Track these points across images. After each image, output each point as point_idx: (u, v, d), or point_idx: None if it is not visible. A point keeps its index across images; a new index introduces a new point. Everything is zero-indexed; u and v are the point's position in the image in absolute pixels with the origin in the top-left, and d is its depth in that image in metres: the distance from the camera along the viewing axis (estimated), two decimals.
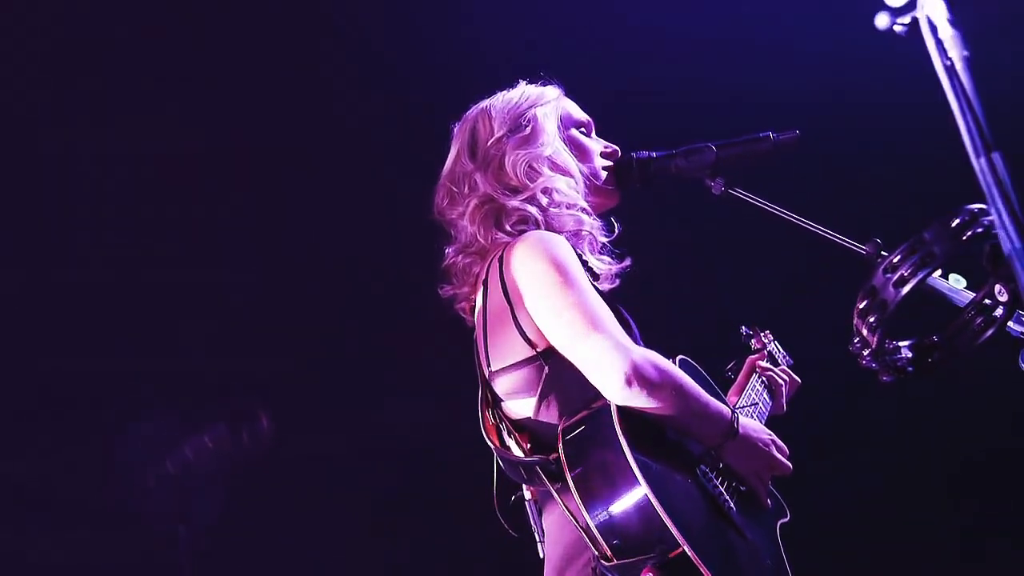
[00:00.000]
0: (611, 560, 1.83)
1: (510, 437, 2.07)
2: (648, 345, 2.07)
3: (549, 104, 2.33)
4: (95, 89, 4.09)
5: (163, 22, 4.11)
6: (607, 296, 2.16)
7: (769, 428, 2.21)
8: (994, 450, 4.41)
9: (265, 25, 4.21)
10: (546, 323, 2.03)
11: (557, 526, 2.01)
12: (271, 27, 4.23)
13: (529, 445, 2.04)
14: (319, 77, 4.35)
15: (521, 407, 2.08)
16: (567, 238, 2.16)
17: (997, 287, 1.52)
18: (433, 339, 3.31)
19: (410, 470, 4.36)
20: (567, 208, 2.22)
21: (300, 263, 4.42)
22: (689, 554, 1.78)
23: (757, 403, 2.51)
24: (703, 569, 1.79)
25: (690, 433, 2.02)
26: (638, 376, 1.90)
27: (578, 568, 1.94)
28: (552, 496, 1.99)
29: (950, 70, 1.20)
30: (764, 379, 2.63)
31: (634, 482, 1.82)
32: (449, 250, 2.30)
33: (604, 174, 2.34)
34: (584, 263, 2.16)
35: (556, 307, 2.01)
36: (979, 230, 1.47)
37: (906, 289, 1.47)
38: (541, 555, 2.08)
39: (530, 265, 2.06)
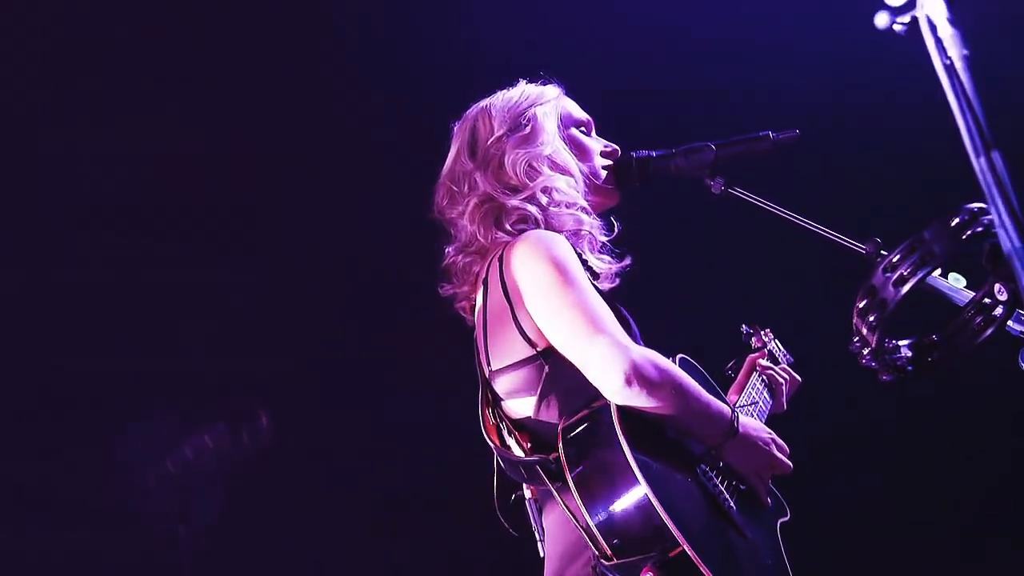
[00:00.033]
0: (611, 559, 1.83)
1: (510, 436, 2.07)
2: (648, 344, 2.07)
3: (549, 103, 2.34)
4: (95, 89, 4.09)
5: (163, 22, 4.11)
6: (607, 295, 2.16)
7: (769, 427, 2.21)
8: (994, 450, 4.41)
9: (265, 25, 4.21)
10: (546, 323, 2.03)
11: (557, 525, 2.01)
12: (271, 27, 4.23)
13: (529, 444, 2.04)
14: (319, 77, 4.35)
15: (521, 406, 2.08)
16: (567, 237, 2.17)
17: (997, 286, 1.53)
18: (433, 339, 3.31)
19: (410, 470, 4.36)
20: (567, 207, 2.22)
21: (300, 263, 4.42)
22: (689, 553, 1.78)
23: (757, 402, 2.51)
24: (703, 568, 1.79)
25: (690, 432, 2.02)
26: (638, 375, 1.90)
27: (578, 567, 1.94)
28: (552, 495, 1.99)
29: (950, 69, 1.20)
30: (764, 378, 2.64)
31: (634, 481, 1.82)
32: (449, 249, 2.30)
33: (604, 173, 2.34)
34: (584, 262, 2.16)
35: (556, 306, 2.01)
36: (979, 229, 1.47)
37: (906, 288, 1.47)
38: (541, 554, 2.08)
39: (530, 264, 2.06)
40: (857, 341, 1.55)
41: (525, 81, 2.39)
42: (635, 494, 1.82)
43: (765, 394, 2.59)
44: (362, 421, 4.37)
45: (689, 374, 2.06)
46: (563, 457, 1.92)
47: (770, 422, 2.45)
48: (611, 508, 1.84)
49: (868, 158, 4.42)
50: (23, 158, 4.12)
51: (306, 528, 4.38)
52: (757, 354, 2.76)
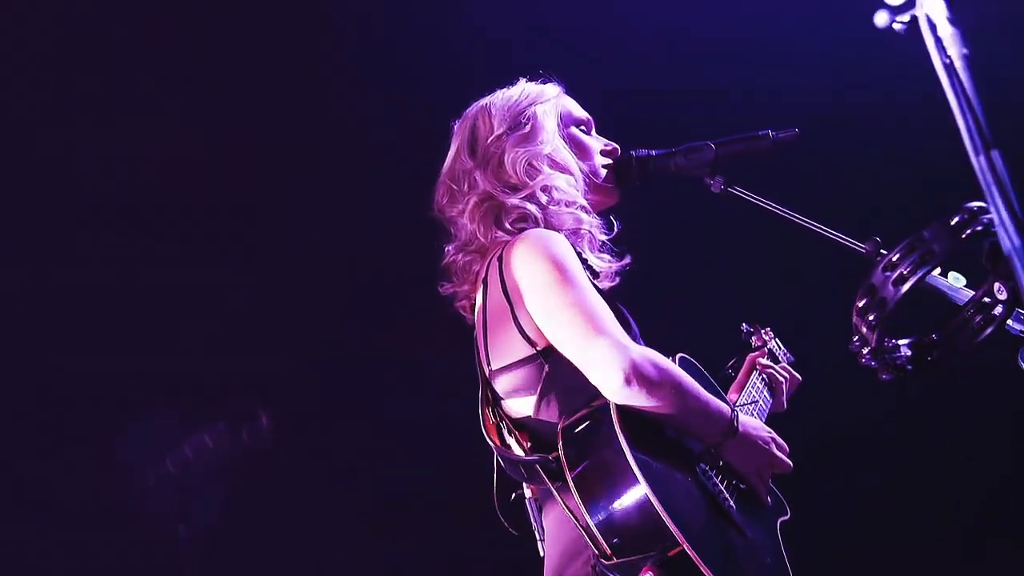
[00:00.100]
0: (611, 559, 1.83)
1: (510, 436, 2.07)
2: (648, 343, 2.07)
3: (549, 102, 2.34)
4: (95, 89, 4.09)
5: (163, 22, 4.11)
6: (607, 294, 2.16)
7: (769, 426, 2.21)
8: (994, 450, 4.41)
9: (265, 25, 4.21)
10: (545, 322, 2.03)
11: (557, 524, 2.01)
12: (271, 27, 4.23)
13: (529, 444, 2.04)
14: (319, 77, 4.35)
15: (521, 406, 2.08)
16: (566, 236, 2.17)
17: (996, 285, 1.53)
18: (433, 339, 3.31)
19: (410, 470, 4.36)
20: (566, 206, 2.22)
21: (300, 263, 4.42)
22: (689, 552, 1.78)
23: (757, 401, 2.51)
24: (703, 567, 1.79)
25: (690, 431, 2.02)
26: (637, 375, 1.90)
27: (578, 566, 1.94)
28: (552, 495, 1.99)
29: (949, 68, 1.20)
30: (764, 376, 2.64)
31: (634, 481, 1.82)
32: (449, 248, 2.30)
33: (604, 172, 2.34)
34: (584, 261, 2.16)
35: (555, 306, 2.01)
36: (978, 228, 1.47)
37: (905, 287, 1.47)
38: (541, 553, 2.08)
39: (529, 264, 2.06)
40: (857, 340, 1.55)
41: (525, 80, 2.39)
42: (635, 493, 1.82)
43: (765, 393, 2.59)
44: (362, 421, 4.36)
45: (689, 373, 2.06)
46: (563, 456, 1.92)
47: (770, 421, 2.45)
48: (611, 507, 1.84)
49: (868, 157, 4.42)
50: (23, 158, 4.12)
51: (306, 528, 4.38)
52: (757, 353, 2.76)
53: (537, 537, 2.11)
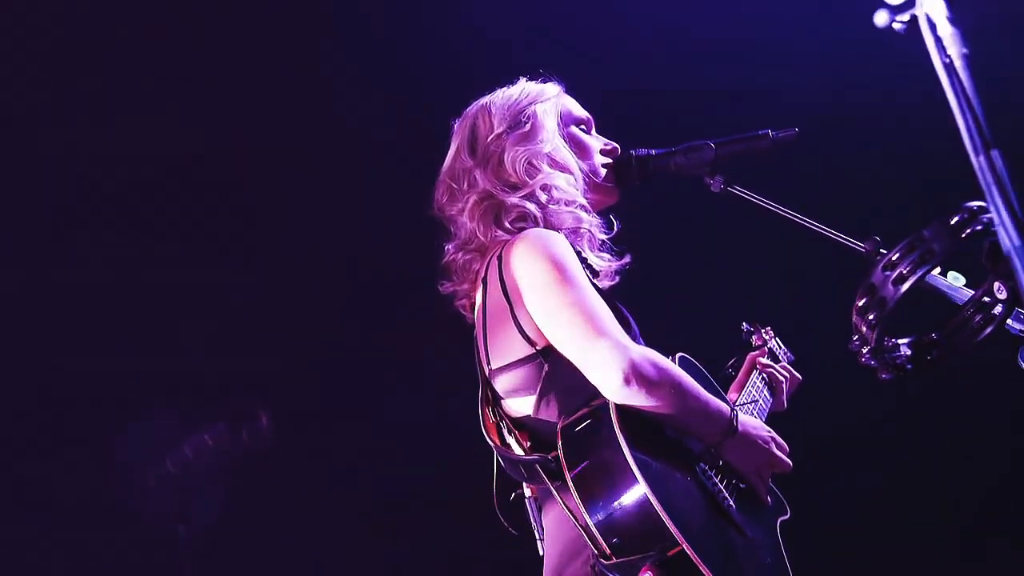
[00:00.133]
0: (610, 558, 1.83)
1: (510, 435, 2.07)
2: (648, 342, 2.07)
3: (549, 101, 2.34)
4: (95, 89, 4.09)
5: (163, 22, 4.11)
6: (607, 293, 2.16)
7: (769, 425, 2.21)
8: (994, 449, 4.41)
9: (265, 25, 4.22)
10: (545, 322, 2.03)
11: (557, 524, 2.01)
12: (271, 27, 4.23)
13: (529, 443, 2.04)
14: (319, 77, 4.35)
15: (521, 405, 2.08)
16: (566, 235, 2.17)
17: (996, 285, 1.53)
18: (433, 339, 3.31)
19: (410, 470, 4.36)
20: (566, 205, 2.22)
21: (300, 263, 4.42)
22: (688, 552, 1.78)
23: (757, 400, 2.51)
24: (702, 567, 1.79)
25: (689, 431, 2.02)
26: (636, 374, 1.90)
27: (577, 566, 1.94)
28: (552, 494, 1.99)
29: (949, 68, 1.20)
30: (765, 376, 2.64)
31: (633, 480, 1.82)
32: (449, 247, 2.30)
33: (603, 171, 2.34)
34: (583, 260, 2.16)
35: (554, 306, 2.01)
36: (978, 228, 1.47)
37: (905, 287, 1.47)
38: (541, 553, 2.08)
39: (529, 264, 2.06)
40: (856, 339, 1.55)
41: (525, 79, 2.40)
42: (634, 493, 1.82)
43: (765, 392, 2.59)
44: (362, 421, 4.37)
45: (689, 373, 2.06)
46: (562, 456, 1.92)
47: (770, 420, 2.45)
48: (610, 507, 1.84)
49: (868, 157, 4.42)
50: (23, 158, 4.12)
51: (306, 528, 4.38)
52: (758, 352, 2.76)
53: (537, 537, 2.11)
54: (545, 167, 2.23)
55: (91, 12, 3.98)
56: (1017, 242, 1.14)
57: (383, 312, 4.41)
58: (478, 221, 2.21)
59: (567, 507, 1.93)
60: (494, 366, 2.11)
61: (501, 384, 2.10)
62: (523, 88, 2.36)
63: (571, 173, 2.27)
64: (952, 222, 1.48)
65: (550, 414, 2.02)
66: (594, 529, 1.84)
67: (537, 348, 2.04)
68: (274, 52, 4.23)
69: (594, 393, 1.96)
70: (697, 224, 4.23)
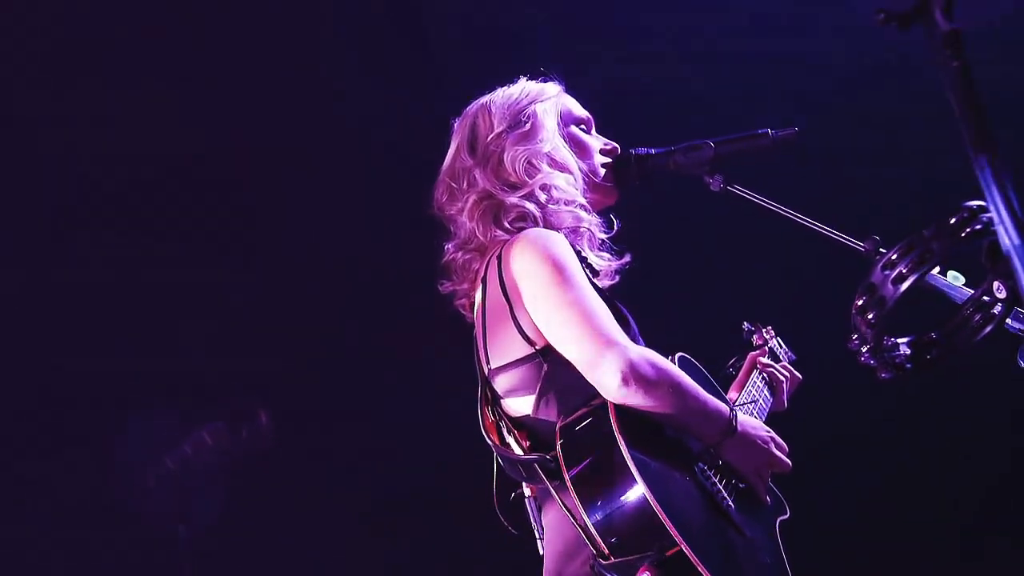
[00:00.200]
0: (608, 558, 1.83)
1: (509, 435, 2.07)
2: (648, 342, 2.07)
3: (549, 100, 2.34)
4: (95, 89, 4.08)
5: (163, 22, 4.11)
6: (606, 293, 2.16)
7: (769, 425, 2.21)
8: (993, 449, 4.42)
9: (265, 25, 4.22)
10: (544, 321, 2.03)
11: (556, 524, 2.02)
12: (271, 27, 4.23)
13: (528, 443, 2.04)
14: (319, 77, 4.36)
15: (520, 405, 2.08)
16: (566, 235, 2.17)
17: (996, 284, 1.53)
18: (433, 339, 3.31)
19: (410, 470, 4.36)
20: (566, 205, 2.22)
21: (300, 263, 4.42)
22: (687, 552, 1.78)
23: (757, 400, 2.51)
24: (701, 567, 1.79)
25: (688, 431, 2.03)
26: (635, 374, 1.91)
27: (577, 566, 1.94)
28: (551, 494, 1.99)
29: (950, 67, 1.20)
30: (765, 375, 2.64)
31: (632, 480, 1.82)
32: (448, 246, 2.30)
33: (603, 171, 2.34)
34: (583, 260, 2.16)
35: (554, 305, 2.02)
36: (978, 227, 1.47)
37: (904, 286, 1.47)
38: (541, 552, 2.08)
39: (528, 263, 2.07)
40: (856, 339, 1.55)
41: (525, 78, 2.40)
42: (633, 493, 1.82)
43: (765, 392, 2.59)
44: (362, 421, 4.37)
45: (688, 372, 2.06)
46: (561, 456, 1.92)
47: (770, 420, 2.45)
48: (608, 507, 1.84)
49: (867, 156, 4.42)
50: (23, 158, 4.12)
51: (306, 528, 4.38)
52: (758, 351, 2.77)
53: (537, 536, 2.11)
54: (545, 167, 2.23)
55: (91, 12, 3.98)
56: (1016, 241, 1.14)
57: (383, 312, 4.41)
58: (478, 220, 2.21)
59: (566, 507, 1.93)
60: (493, 366, 2.11)
61: (500, 384, 2.10)
62: (523, 87, 2.36)
63: (571, 173, 2.27)
64: (951, 221, 1.48)
65: (549, 414, 2.03)
66: (592, 529, 1.84)
67: (536, 348, 2.05)
68: (274, 52, 4.23)
69: (593, 393, 1.96)
70: (697, 223, 4.23)
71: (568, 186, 2.24)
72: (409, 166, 3.06)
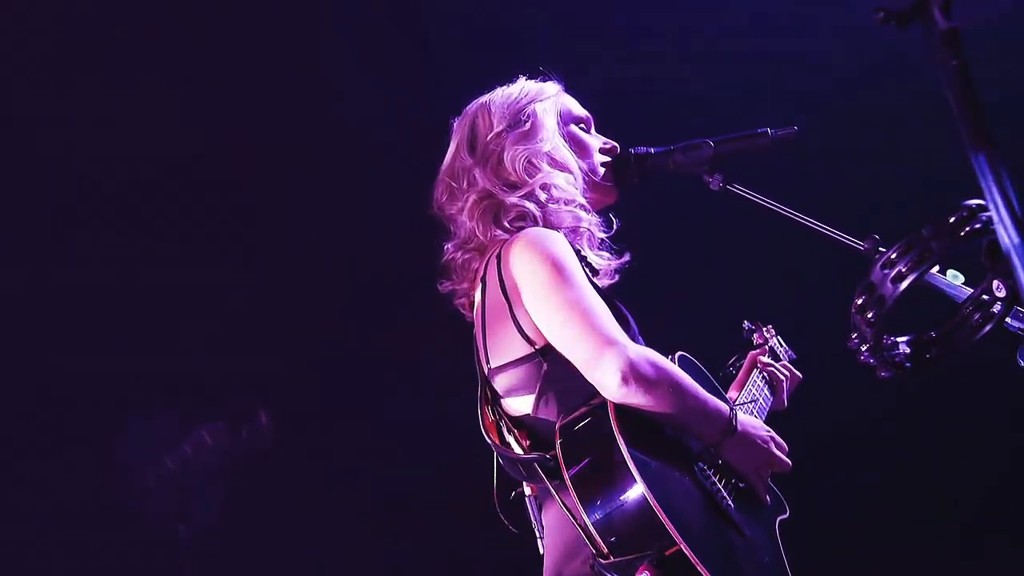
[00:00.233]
0: (608, 557, 1.83)
1: (509, 434, 2.07)
2: (647, 341, 2.08)
3: (549, 100, 2.34)
4: (95, 89, 4.09)
5: (163, 22, 4.11)
6: (606, 292, 2.16)
7: (769, 424, 2.21)
8: (993, 448, 4.42)
9: (265, 25, 4.22)
10: (543, 321, 2.03)
11: (556, 523, 2.02)
12: (271, 27, 4.23)
13: (528, 442, 2.04)
14: (319, 77, 4.36)
15: (520, 404, 2.08)
16: (565, 234, 2.17)
17: (995, 283, 1.53)
18: (433, 339, 3.31)
19: (410, 470, 4.36)
20: (565, 204, 2.22)
21: (300, 263, 4.42)
22: (686, 551, 1.78)
23: (757, 399, 2.51)
24: (700, 567, 1.79)
25: (688, 430, 2.03)
26: (635, 374, 1.91)
27: (577, 565, 1.94)
28: (551, 493, 1.99)
29: (948, 66, 1.20)
30: (765, 374, 2.64)
31: (631, 480, 1.82)
32: (448, 245, 2.30)
33: (603, 170, 2.34)
34: (583, 259, 2.16)
35: (553, 305, 2.02)
36: (977, 226, 1.47)
37: (904, 285, 1.47)
38: (541, 551, 2.08)
39: (527, 263, 2.07)
40: (855, 338, 1.55)
41: (525, 77, 2.40)
42: (632, 492, 1.82)
43: (765, 391, 2.59)
44: (362, 421, 4.37)
45: (688, 372, 2.06)
46: (560, 455, 1.92)
47: (770, 419, 2.45)
48: (608, 506, 1.84)
49: (866, 155, 4.43)
50: (23, 158, 4.12)
51: (306, 528, 4.38)
52: (758, 350, 2.77)
53: (537, 535, 2.11)
54: (545, 166, 2.23)
55: (91, 12, 3.98)
56: (1016, 240, 1.14)
57: (383, 312, 4.41)
58: (477, 220, 2.21)
59: (566, 506, 1.93)
60: (493, 365, 2.12)
61: (500, 383, 2.11)
62: (523, 87, 2.36)
63: (571, 172, 2.27)
64: (951, 220, 1.48)
65: (549, 413, 2.03)
66: (592, 528, 1.84)
67: (536, 347, 2.05)
68: (274, 52, 4.23)
69: (593, 392, 1.96)
70: (696, 222, 4.23)
71: (568, 185, 2.24)
72: (409, 166, 3.06)
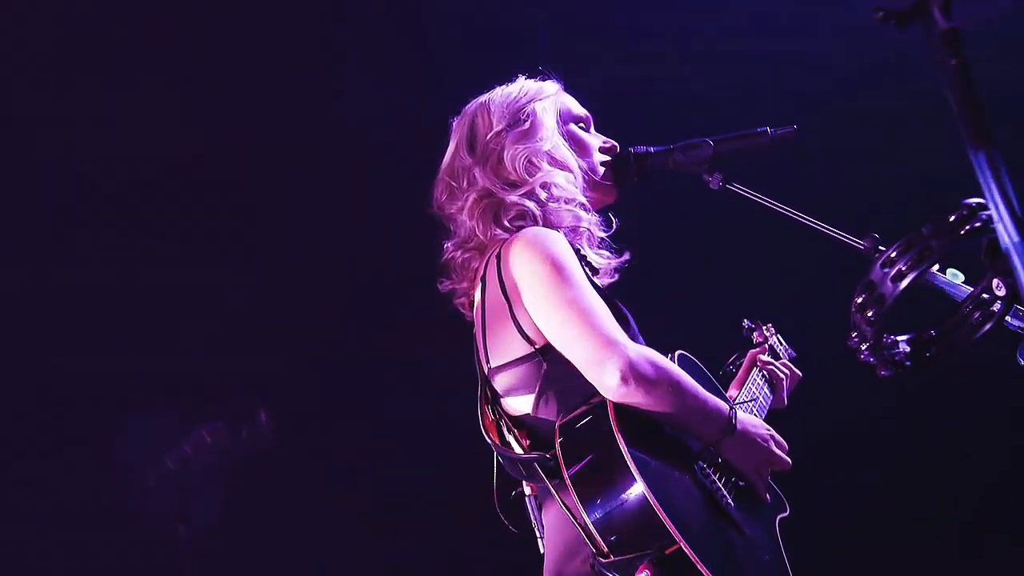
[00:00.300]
0: (608, 557, 1.83)
1: (509, 434, 2.07)
2: (647, 340, 2.08)
3: (548, 99, 2.34)
4: (95, 89, 4.09)
5: (163, 22, 4.12)
6: (606, 291, 2.16)
7: (769, 423, 2.21)
8: (993, 447, 4.42)
9: (265, 25, 4.22)
10: (543, 321, 2.03)
11: (556, 522, 2.02)
12: (271, 27, 4.23)
13: (528, 441, 2.04)
14: (319, 77, 4.36)
15: (520, 404, 2.08)
16: (565, 234, 2.17)
17: (995, 281, 1.53)
18: (433, 339, 3.31)
19: (410, 470, 4.36)
20: (565, 203, 2.22)
21: (300, 263, 4.42)
22: (686, 550, 1.78)
23: (757, 398, 2.51)
24: (700, 565, 1.79)
25: (688, 429, 2.03)
26: (634, 373, 1.91)
27: (577, 564, 1.94)
28: (551, 493, 1.99)
29: (948, 65, 1.20)
30: (765, 373, 2.64)
31: (631, 479, 1.83)
32: (448, 245, 2.30)
33: (602, 169, 2.34)
34: (583, 258, 2.16)
35: (553, 305, 2.02)
36: (977, 224, 1.47)
37: (904, 283, 1.47)
38: (541, 550, 2.08)
39: (527, 263, 2.07)
40: (855, 336, 1.55)
41: (524, 77, 2.40)
42: (632, 491, 1.82)
43: (765, 389, 2.59)
44: (362, 421, 4.37)
45: (688, 370, 2.06)
46: (560, 454, 1.92)
47: (770, 417, 2.46)
48: (608, 505, 1.84)
49: (866, 154, 4.43)
50: (23, 158, 4.12)
51: (306, 528, 4.38)
52: (758, 349, 2.77)
53: (537, 535, 2.11)
54: (545, 165, 2.23)
55: (91, 12, 3.98)
56: (1016, 239, 1.14)
57: (383, 312, 4.41)
58: (477, 219, 2.21)
59: (566, 505, 1.93)
60: (493, 364, 2.12)
61: (500, 382, 2.11)
62: (522, 86, 2.36)
63: (570, 171, 2.27)
64: (951, 219, 1.48)
65: (549, 412, 2.03)
66: (592, 527, 1.84)
67: (536, 347, 2.05)
68: (274, 52, 4.23)
69: (593, 392, 1.96)
70: (696, 221, 4.23)
71: (568, 184, 2.24)
72: (409, 166, 3.06)
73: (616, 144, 2.39)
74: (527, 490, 2.10)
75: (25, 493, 4.02)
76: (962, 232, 1.47)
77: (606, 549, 1.83)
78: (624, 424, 1.89)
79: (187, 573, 3.88)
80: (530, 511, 2.12)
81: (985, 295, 1.55)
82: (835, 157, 4.37)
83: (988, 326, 1.55)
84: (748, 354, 2.74)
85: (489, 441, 2.11)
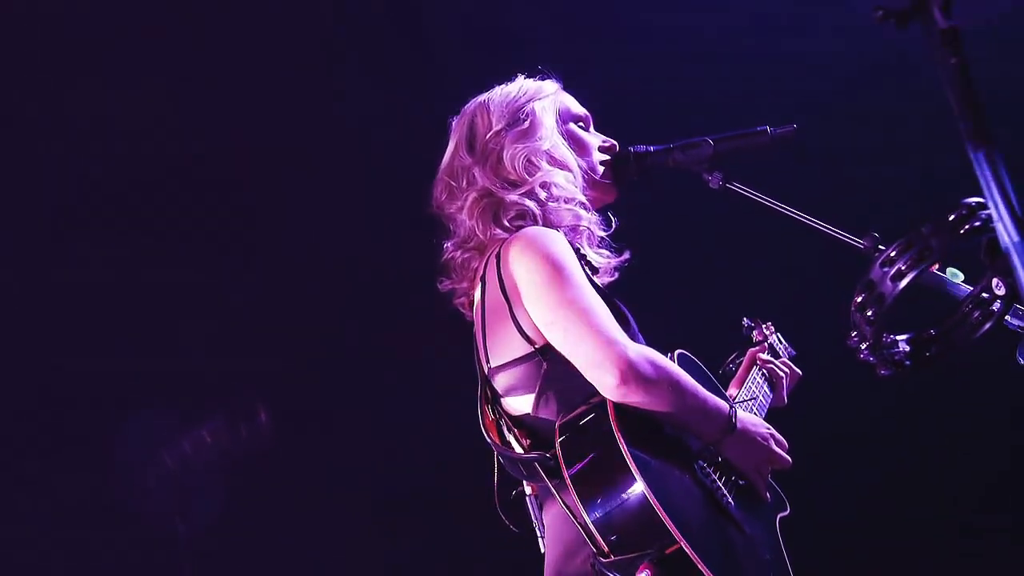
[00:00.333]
0: (608, 556, 1.83)
1: (509, 433, 2.08)
2: (647, 339, 2.08)
3: (547, 98, 2.34)
4: (95, 89, 4.09)
5: (163, 22, 4.12)
6: (606, 290, 2.16)
7: (769, 421, 2.21)
8: (993, 446, 4.42)
9: (265, 25, 4.22)
10: (542, 320, 2.03)
11: (556, 522, 2.02)
12: (271, 27, 4.24)
13: (528, 441, 2.04)
14: (319, 77, 4.36)
15: (520, 403, 2.08)
16: (565, 233, 2.17)
17: (995, 281, 1.53)
18: (433, 339, 3.31)
19: (410, 470, 4.36)
20: (565, 202, 2.22)
21: (300, 263, 4.42)
22: (686, 550, 1.78)
23: (756, 396, 2.52)
24: (700, 565, 1.79)
25: (688, 429, 2.03)
26: (634, 373, 1.91)
27: (577, 564, 1.94)
28: (551, 492, 1.99)
29: (948, 65, 1.20)
30: (765, 372, 2.64)
31: (631, 478, 1.83)
32: (448, 244, 2.30)
33: (602, 168, 2.34)
34: (582, 258, 2.16)
35: (552, 304, 2.02)
36: (977, 224, 1.47)
37: (904, 283, 1.47)
38: (542, 550, 2.08)
39: (527, 262, 2.07)
40: (855, 336, 1.55)
41: (523, 76, 2.40)
42: (632, 491, 1.82)
43: (765, 388, 2.59)
44: (362, 421, 4.37)
45: (688, 369, 2.06)
46: (560, 454, 1.92)
47: (770, 416, 2.46)
48: (608, 505, 1.84)
49: (866, 153, 4.43)
50: (23, 158, 4.12)
51: (306, 528, 4.38)
52: (758, 348, 2.77)
53: (537, 534, 2.11)
54: (544, 164, 2.24)
55: (91, 12, 3.98)
56: (1015, 238, 1.14)
57: (383, 312, 4.41)
58: (477, 219, 2.21)
59: (566, 505, 1.93)
60: (493, 364, 2.12)
61: (500, 382, 2.11)
62: (521, 85, 2.36)
63: (570, 170, 2.27)
64: (950, 218, 1.48)
65: (549, 412, 2.03)
66: (592, 527, 1.84)
67: (536, 347, 2.05)
68: (274, 52, 4.23)
69: (593, 391, 1.96)
70: (695, 220, 4.23)
71: (568, 183, 2.24)
72: (409, 166, 3.06)
73: (615, 143, 2.39)
74: (527, 490, 2.10)
75: (25, 493, 4.02)
76: (962, 231, 1.47)
77: (606, 549, 1.83)
78: (624, 423, 1.89)
79: (187, 573, 3.88)
80: (530, 511, 2.12)
81: (985, 294, 1.55)
82: (835, 157, 4.37)
83: (988, 325, 1.56)
84: (748, 353, 2.74)
85: (489, 441, 2.11)
